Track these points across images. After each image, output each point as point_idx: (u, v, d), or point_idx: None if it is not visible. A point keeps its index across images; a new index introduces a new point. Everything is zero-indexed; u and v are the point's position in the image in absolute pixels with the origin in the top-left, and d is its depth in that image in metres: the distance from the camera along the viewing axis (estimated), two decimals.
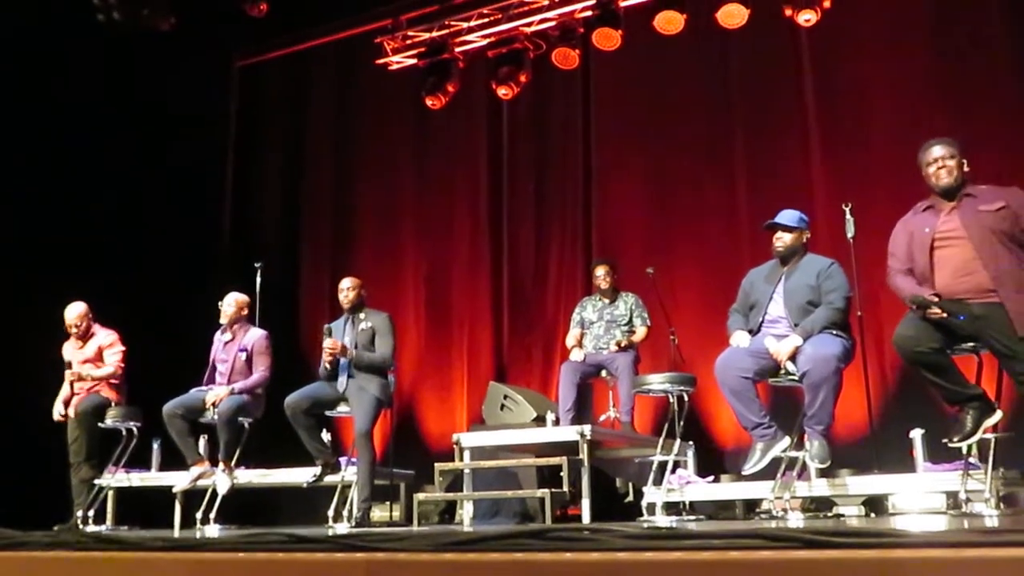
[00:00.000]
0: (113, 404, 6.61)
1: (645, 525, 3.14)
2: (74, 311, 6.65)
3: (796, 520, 4.61)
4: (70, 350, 6.73)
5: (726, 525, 3.37)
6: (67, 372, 6.67)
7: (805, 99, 7.76)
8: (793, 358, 4.75)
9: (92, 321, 6.75)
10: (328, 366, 5.98)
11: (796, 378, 4.78)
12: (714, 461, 6.77)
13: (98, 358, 6.69)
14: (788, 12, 7.26)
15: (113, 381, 6.68)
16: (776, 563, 1.09)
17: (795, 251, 5.05)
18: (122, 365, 6.72)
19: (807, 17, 7.23)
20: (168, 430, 6.23)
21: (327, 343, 5.95)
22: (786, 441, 4.73)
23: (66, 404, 6.63)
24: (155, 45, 7.87)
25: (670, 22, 7.66)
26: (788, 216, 5.07)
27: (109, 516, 6.71)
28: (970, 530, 1.23)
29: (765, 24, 7.55)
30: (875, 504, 5.25)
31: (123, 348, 6.75)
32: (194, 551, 1.55)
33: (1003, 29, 7.07)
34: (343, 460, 6.10)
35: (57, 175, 7.68)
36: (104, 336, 6.72)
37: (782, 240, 5.05)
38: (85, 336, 6.67)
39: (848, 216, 5.61)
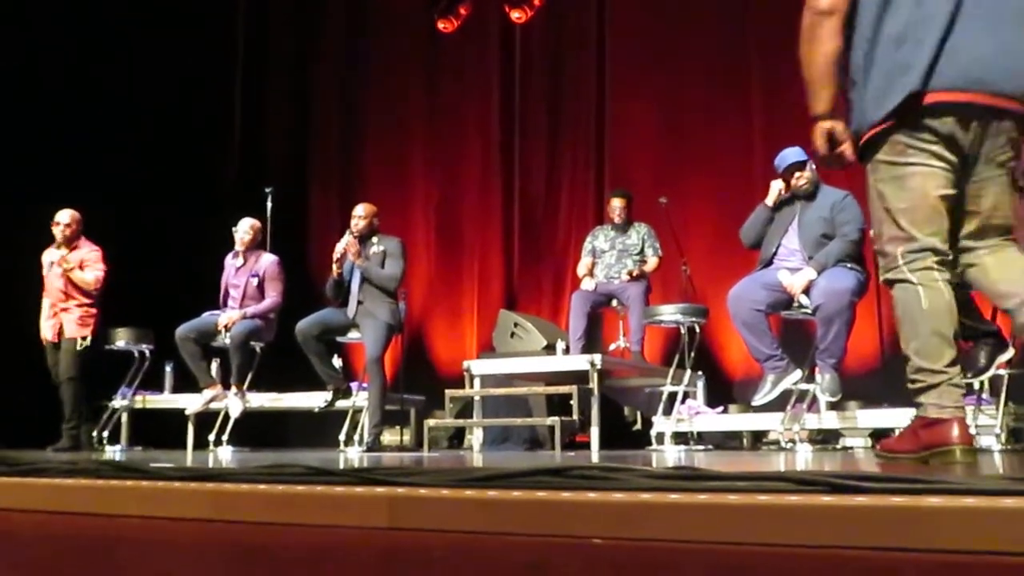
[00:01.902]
0: (85, 338, 6.25)
1: (665, 464, 3.15)
2: (66, 213, 6.31)
3: (804, 451, 4.64)
4: (50, 258, 6.37)
5: (744, 461, 3.39)
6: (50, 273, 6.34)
7: None
8: (807, 291, 4.73)
9: (81, 233, 6.39)
10: (336, 275, 5.95)
11: (809, 311, 4.77)
12: (723, 392, 6.80)
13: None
14: None
15: (87, 302, 6.28)
16: (804, 508, 1.08)
17: (814, 185, 4.99)
18: (101, 282, 6.31)
19: None
20: (181, 353, 6.28)
21: (342, 242, 5.92)
22: (798, 374, 4.74)
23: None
24: None
25: None
26: (796, 153, 4.97)
27: (123, 437, 6.81)
28: (1008, 476, 1.22)
29: None
30: (882, 437, 5.28)
31: (105, 267, 6.37)
32: (214, 481, 1.56)
33: None
34: (354, 385, 6.15)
35: (64, 99, 7.59)
36: (88, 251, 6.36)
37: (804, 177, 4.96)
38: (70, 243, 6.31)
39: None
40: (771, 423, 5.24)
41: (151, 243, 7.76)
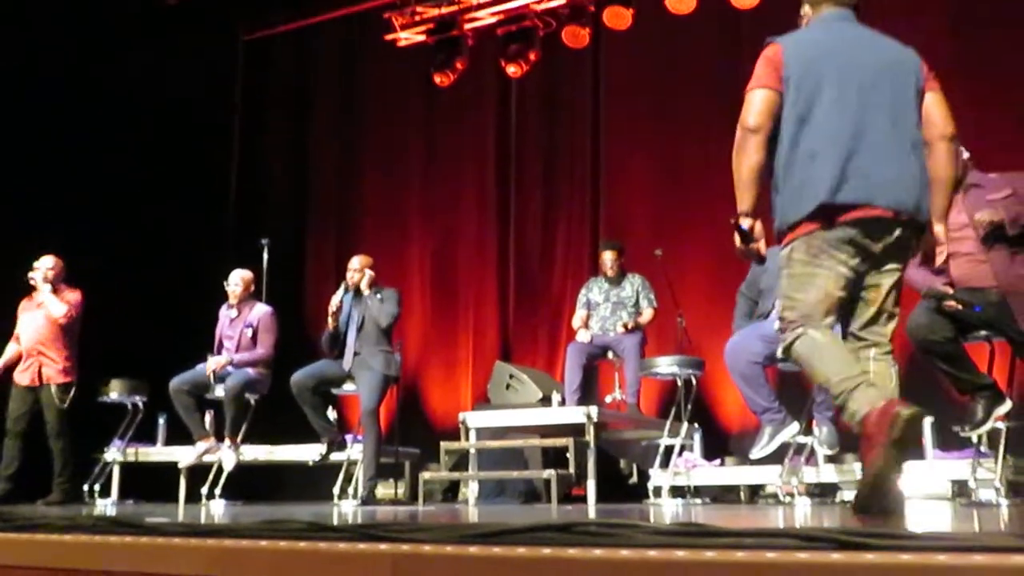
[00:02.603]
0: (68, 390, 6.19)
1: (665, 519, 3.19)
2: (49, 258, 6.27)
3: (803, 505, 4.61)
4: (28, 307, 6.29)
5: (744, 516, 3.37)
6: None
7: None
8: None
9: (62, 280, 6.32)
10: (332, 327, 5.96)
11: None
12: (720, 444, 6.76)
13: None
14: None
15: (66, 352, 6.18)
16: (811, 566, 1.08)
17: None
18: (73, 315, 6.20)
19: None
20: (174, 405, 6.24)
21: (337, 295, 5.95)
22: (795, 426, 4.72)
23: (9, 369, 6.29)
24: (162, 19, 7.82)
25: (682, 1, 7.60)
26: None
27: (115, 490, 6.74)
28: (1015, 533, 1.22)
29: (779, 2, 7.47)
30: None
31: (78, 309, 6.26)
32: (215, 537, 1.54)
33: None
34: (349, 437, 6.12)
35: (62, 151, 7.64)
36: (68, 293, 6.30)
37: None
38: (53, 289, 6.24)
39: None
40: (769, 476, 5.21)
41: (145, 293, 7.76)
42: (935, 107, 3.03)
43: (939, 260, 3.14)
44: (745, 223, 2.96)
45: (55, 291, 6.26)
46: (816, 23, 3.15)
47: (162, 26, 7.95)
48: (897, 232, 2.89)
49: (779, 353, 3.03)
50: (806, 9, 3.22)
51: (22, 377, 6.23)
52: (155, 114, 8.39)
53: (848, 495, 5.25)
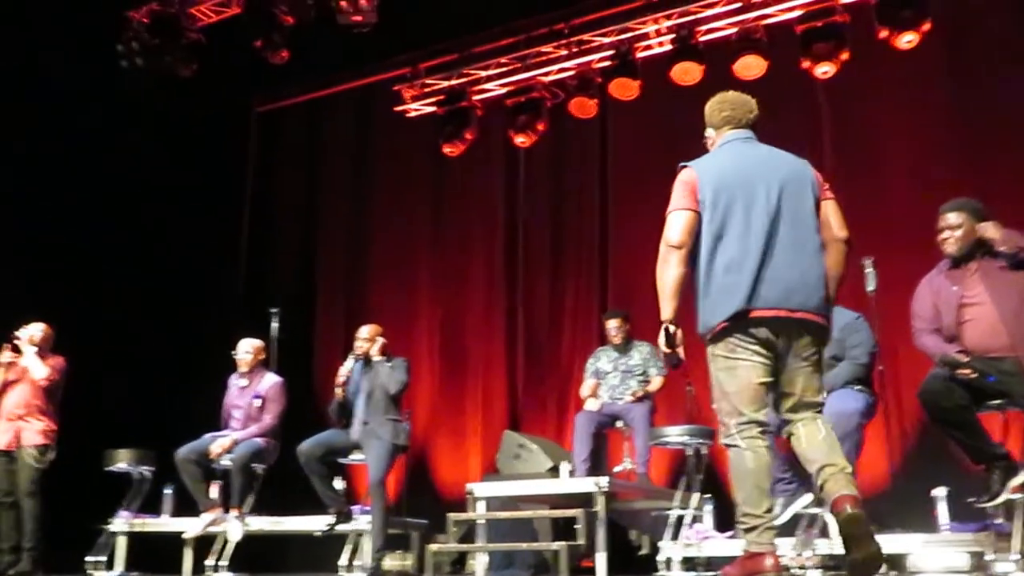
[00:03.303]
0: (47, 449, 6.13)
1: None
2: (39, 324, 6.24)
3: None
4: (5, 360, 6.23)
5: None
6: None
7: (823, 150, 7.74)
8: None
9: (50, 348, 6.29)
10: (340, 397, 5.95)
11: None
12: (732, 515, 6.64)
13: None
14: (806, 64, 7.29)
15: (47, 417, 6.13)
16: None
17: None
18: (55, 379, 6.16)
19: (825, 70, 7.26)
20: (181, 475, 6.21)
21: (346, 366, 5.93)
22: (808, 497, 4.66)
23: None
24: (176, 91, 7.96)
25: (687, 73, 7.70)
26: None
27: (120, 562, 6.65)
28: None
29: (782, 76, 7.58)
30: (895, 563, 5.15)
31: (64, 366, 6.25)
32: None
33: (1020, 78, 7.07)
34: (356, 508, 6.05)
35: (73, 221, 7.72)
36: (52, 359, 6.27)
37: None
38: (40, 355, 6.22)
39: (869, 269, 5.54)
40: (782, 548, 5.11)
41: (153, 363, 7.77)
42: (832, 214, 3.45)
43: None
44: (671, 328, 3.33)
45: (39, 356, 6.22)
46: (722, 146, 3.55)
47: (176, 98, 8.08)
48: (805, 330, 3.27)
49: (721, 443, 3.38)
50: (710, 132, 3.63)
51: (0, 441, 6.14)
52: (167, 182, 8.50)
53: None
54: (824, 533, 4.83)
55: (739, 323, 3.24)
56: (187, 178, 8.70)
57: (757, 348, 3.24)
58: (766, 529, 3.20)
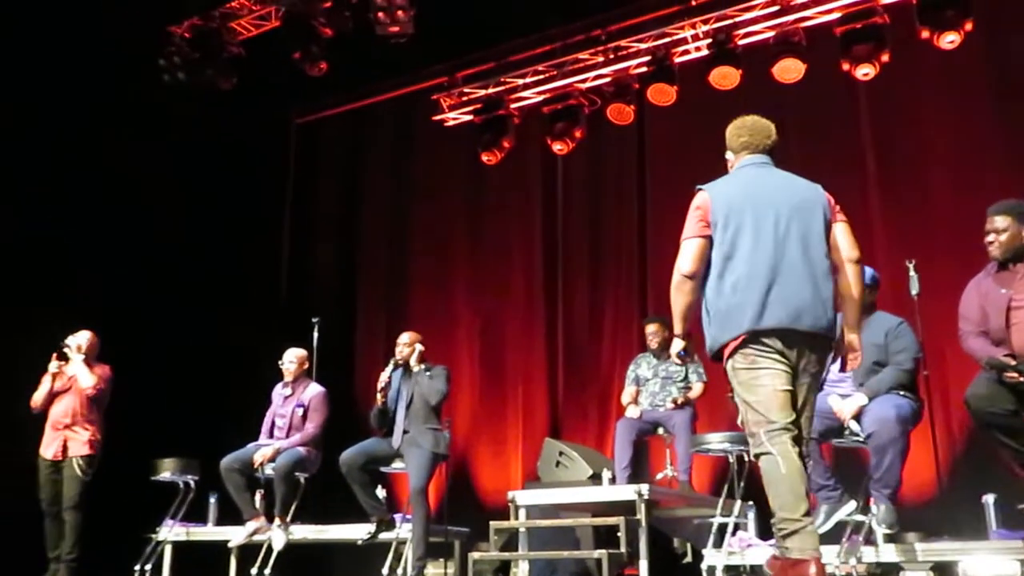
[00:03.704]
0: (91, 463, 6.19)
1: None
2: (85, 332, 6.33)
3: None
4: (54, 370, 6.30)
5: None
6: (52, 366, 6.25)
7: (864, 153, 7.67)
8: (857, 418, 4.63)
9: (96, 356, 6.38)
10: (380, 403, 5.98)
11: (861, 439, 4.66)
12: None
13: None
14: (846, 66, 7.21)
15: (93, 427, 6.20)
16: None
17: (864, 308, 4.94)
18: (102, 387, 6.25)
19: (865, 71, 7.18)
20: (225, 484, 6.27)
21: (387, 371, 5.96)
22: (852, 505, 4.61)
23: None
24: (216, 104, 8.07)
25: (725, 77, 7.66)
26: None
27: (166, 570, 6.73)
28: None
29: (822, 78, 7.51)
30: (944, 570, 5.06)
31: (110, 375, 6.34)
32: None
33: None
34: (398, 517, 6.07)
35: (117, 233, 7.84)
36: (98, 368, 6.36)
37: None
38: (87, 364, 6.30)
39: (912, 273, 5.47)
40: (827, 556, 5.04)
41: (197, 372, 7.86)
42: (842, 236, 3.56)
43: (852, 365, 3.67)
44: (680, 343, 3.60)
45: (86, 364, 6.30)
46: (738, 170, 3.69)
47: (217, 109, 8.19)
48: (811, 348, 3.40)
49: (752, 455, 3.44)
50: (729, 156, 3.77)
51: (47, 451, 6.21)
52: (209, 194, 8.61)
53: (910, 575, 5.07)
54: (869, 540, 4.77)
55: (754, 335, 3.37)
56: (229, 190, 8.81)
57: (776, 357, 3.36)
58: (807, 534, 3.19)
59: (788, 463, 3.25)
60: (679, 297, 3.52)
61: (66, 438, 6.19)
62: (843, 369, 3.79)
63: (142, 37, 7.81)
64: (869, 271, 4.99)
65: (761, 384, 3.35)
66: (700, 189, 3.60)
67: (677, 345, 3.61)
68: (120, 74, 7.77)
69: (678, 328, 3.57)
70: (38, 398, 6.27)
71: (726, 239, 3.46)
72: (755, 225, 3.44)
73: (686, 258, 3.51)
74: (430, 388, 5.93)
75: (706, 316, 3.53)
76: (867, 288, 4.91)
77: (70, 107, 7.51)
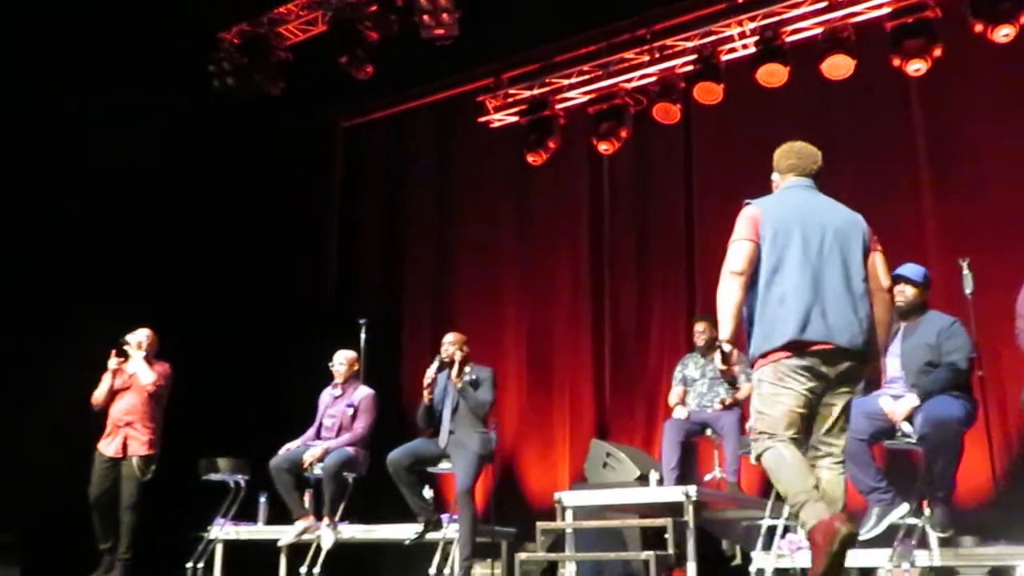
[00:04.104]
0: (143, 458, 6.22)
1: None
2: (145, 329, 6.39)
3: None
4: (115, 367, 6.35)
5: None
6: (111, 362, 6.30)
7: (916, 150, 7.54)
8: (910, 419, 4.55)
9: (155, 353, 6.44)
10: (427, 401, 6.00)
11: (913, 441, 4.58)
12: None
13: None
14: (896, 62, 7.10)
15: (153, 425, 6.28)
16: None
17: (916, 308, 4.86)
18: (162, 384, 6.31)
19: (916, 67, 7.06)
20: (275, 484, 6.33)
21: (432, 368, 5.98)
22: (904, 507, 4.53)
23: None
24: (264, 108, 8.17)
25: (773, 75, 7.58)
26: (913, 270, 4.89)
27: (217, 569, 6.82)
28: None
29: (872, 75, 7.40)
30: (1001, 574, 4.96)
31: (170, 372, 6.40)
32: None
33: None
34: (445, 517, 6.09)
35: (167, 238, 7.96)
36: (158, 365, 6.41)
37: (904, 295, 4.85)
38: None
39: (966, 271, 5.36)
40: (879, 559, 4.97)
41: (246, 374, 7.95)
42: (878, 266, 3.73)
43: (875, 388, 3.94)
44: (727, 347, 3.64)
45: (146, 361, 6.34)
46: (784, 190, 3.86)
47: (265, 114, 8.29)
48: (848, 363, 3.53)
49: (752, 459, 3.63)
50: (775, 176, 3.94)
51: (107, 447, 6.24)
52: (257, 197, 8.71)
53: None
54: (923, 544, 4.69)
55: (791, 352, 3.51)
56: (277, 193, 8.91)
57: (802, 379, 3.51)
58: (815, 501, 3.34)
59: (791, 453, 3.45)
60: (727, 296, 3.61)
61: (126, 436, 6.23)
62: (867, 389, 3.94)
63: (192, 43, 7.93)
64: (920, 269, 4.92)
65: (780, 402, 3.51)
66: (749, 203, 3.76)
67: (722, 351, 3.67)
68: (171, 80, 7.89)
69: (725, 331, 3.62)
70: (99, 395, 6.32)
71: (774, 252, 3.60)
72: (803, 242, 3.60)
73: (736, 258, 3.63)
74: (475, 402, 5.95)
75: (750, 326, 3.66)
76: (919, 287, 4.85)
77: (122, 110, 7.65)
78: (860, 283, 3.62)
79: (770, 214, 3.67)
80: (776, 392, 3.53)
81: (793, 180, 3.86)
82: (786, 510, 5.31)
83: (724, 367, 3.71)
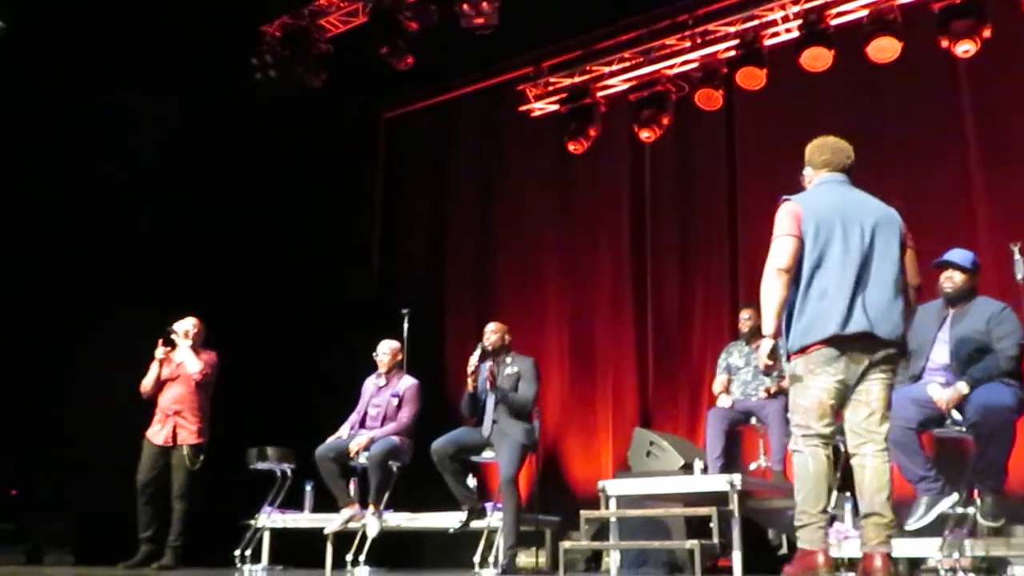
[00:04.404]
0: (192, 447, 6.28)
1: None
2: (191, 318, 6.45)
3: None
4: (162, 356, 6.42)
5: None
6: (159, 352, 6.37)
7: (965, 134, 7.40)
8: (960, 407, 4.48)
9: (202, 342, 6.49)
10: (471, 388, 6.02)
11: (963, 429, 4.51)
12: None
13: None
14: (944, 44, 6.97)
15: (201, 414, 6.34)
16: None
17: (964, 294, 4.78)
18: (208, 373, 6.37)
19: (965, 48, 6.92)
20: (320, 473, 6.39)
21: (475, 355, 5.99)
22: (954, 497, 4.45)
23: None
24: (306, 100, 8.23)
25: (817, 59, 7.48)
26: (961, 255, 4.80)
27: (264, 556, 6.92)
28: None
29: (919, 57, 7.28)
30: None
31: (216, 361, 6.47)
32: None
33: None
34: (489, 505, 6.11)
35: (215, 229, 8.05)
36: (205, 354, 6.48)
37: (952, 280, 4.78)
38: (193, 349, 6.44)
39: (1017, 256, 5.23)
40: (928, 549, 4.91)
41: (291, 364, 8.04)
42: (909, 263, 3.80)
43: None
44: (770, 343, 3.68)
45: (193, 350, 6.40)
46: (819, 186, 3.89)
47: (307, 107, 8.35)
48: (886, 351, 3.63)
49: (788, 449, 3.96)
50: (808, 171, 3.98)
51: (156, 436, 6.31)
52: (300, 189, 8.79)
53: (1019, 570, 4.89)
54: (973, 533, 4.62)
55: (825, 345, 3.60)
56: (319, 186, 8.99)
57: (833, 369, 3.60)
58: (817, 528, 3.55)
59: (816, 464, 3.61)
60: (772, 292, 3.66)
61: (176, 425, 6.29)
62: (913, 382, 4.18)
63: (235, 36, 8.01)
64: (969, 255, 4.83)
65: (811, 393, 3.63)
66: (788, 199, 3.79)
67: (766, 346, 3.70)
68: (215, 74, 7.98)
69: (769, 326, 3.68)
70: (147, 384, 6.39)
71: (816, 248, 3.65)
72: (844, 237, 3.66)
73: (781, 254, 3.67)
74: (517, 405, 5.93)
75: (788, 320, 3.72)
76: (967, 273, 4.76)
77: (168, 104, 7.75)
78: (898, 276, 3.69)
79: (811, 209, 3.71)
80: (808, 385, 3.64)
81: (827, 175, 3.90)
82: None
83: (770, 362, 3.73)
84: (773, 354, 3.70)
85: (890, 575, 3.53)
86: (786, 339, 3.75)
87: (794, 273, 3.67)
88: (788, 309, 3.70)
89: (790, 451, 3.80)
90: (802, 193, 3.89)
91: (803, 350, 3.64)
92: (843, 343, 3.58)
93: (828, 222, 3.68)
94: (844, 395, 3.65)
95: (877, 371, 3.64)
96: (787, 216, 3.72)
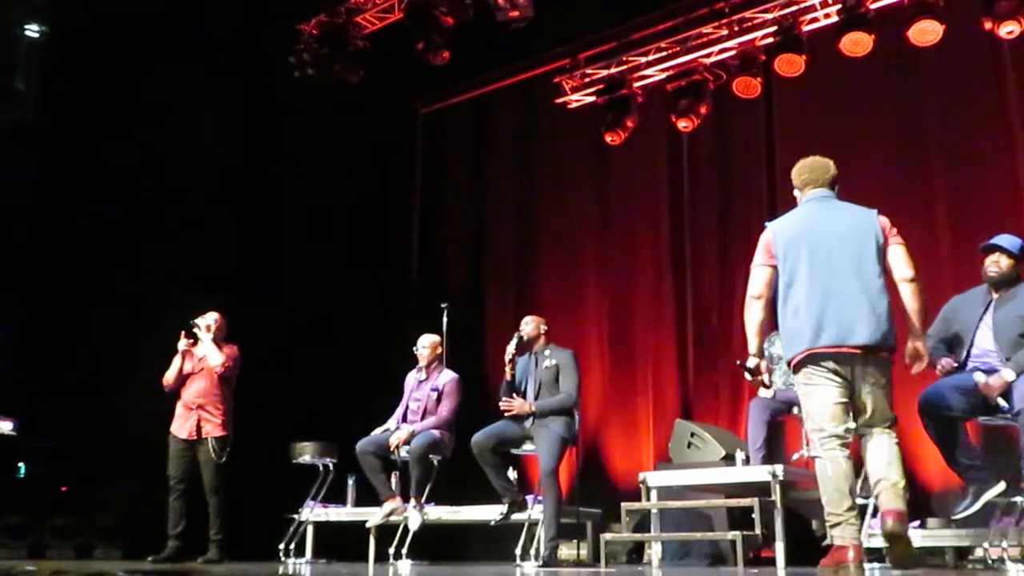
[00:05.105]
0: (217, 439, 6.26)
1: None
2: (214, 313, 6.45)
3: (1015, 572, 4.26)
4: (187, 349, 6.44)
5: None
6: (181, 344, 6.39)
7: (1010, 118, 7.26)
8: (1006, 394, 4.40)
9: (224, 336, 6.48)
10: (509, 376, 6.02)
11: (1009, 416, 4.43)
12: (920, 504, 6.34)
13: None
14: (988, 25, 6.84)
15: (225, 407, 6.31)
16: None
17: (1009, 279, 4.70)
18: (230, 366, 6.34)
19: (1010, 29, 6.79)
20: (362, 467, 6.44)
21: (512, 344, 6.00)
22: (1001, 485, 4.39)
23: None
24: (344, 97, 8.28)
25: (857, 44, 7.37)
26: (1008, 240, 4.73)
27: (308, 549, 6.99)
28: None
29: (962, 40, 7.15)
30: None
31: (238, 354, 6.42)
32: None
33: None
34: (529, 498, 6.12)
35: (254, 225, 8.14)
36: (227, 348, 6.45)
37: (998, 265, 4.71)
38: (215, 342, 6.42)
39: None
40: (974, 538, 4.84)
41: (333, 359, 8.10)
42: (895, 257, 3.92)
43: (916, 369, 4.07)
44: (751, 362, 4.14)
45: (215, 344, 6.39)
46: (804, 204, 4.16)
47: (345, 104, 8.41)
48: (866, 359, 3.80)
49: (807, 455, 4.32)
50: (796, 193, 4.24)
51: (180, 430, 6.32)
52: (340, 185, 8.86)
53: None
54: (1020, 522, 4.55)
55: (811, 355, 3.84)
56: (359, 181, 9.05)
57: (829, 375, 3.81)
58: (848, 524, 3.69)
59: (835, 467, 3.76)
60: (749, 317, 4.07)
61: (200, 418, 6.29)
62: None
63: (273, 35, 8.08)
64: (1017, 240, 4.76)
65: (816, 397, 3.85)
66: (766, 226, 4.13)
67: (751, 363, 4.13)
68: (254, 72, 8.06)
69: (752, 346, 4.10)
70: (169, 377, 6.42)
71: (786, 269, 3.95)
72: (810, 256, 3.90)
73: (755, 283, 4.06)
74: (555, 406, 5.91)
75: (778, 336, 4.09)
76: (1015, 258, 4.69)
77: (210, 102, 7.85)
78: (875, 279, 3.84)
79: (781, 236, 4.02)
80: (810, 391, 3.88)
81: (811, 193, 4.15)
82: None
83: (752, 377, 4.20)
84: (753, 373, 4.13)
85: (903, 530, 3.71)
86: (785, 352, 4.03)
87: (770, 297, 4.02)
88: (778, 327, 4.05)
89: (809, 457, 4.05)
90: (780, 217, 4.19)
91: (794, 362, 3.92)
92: (823, 354, 3.80)
93: (796, 244, 3.95)
94: (850, 390, 3.83)
95: (869, 376, 3.81)
96: (761, 248, 4.08)
